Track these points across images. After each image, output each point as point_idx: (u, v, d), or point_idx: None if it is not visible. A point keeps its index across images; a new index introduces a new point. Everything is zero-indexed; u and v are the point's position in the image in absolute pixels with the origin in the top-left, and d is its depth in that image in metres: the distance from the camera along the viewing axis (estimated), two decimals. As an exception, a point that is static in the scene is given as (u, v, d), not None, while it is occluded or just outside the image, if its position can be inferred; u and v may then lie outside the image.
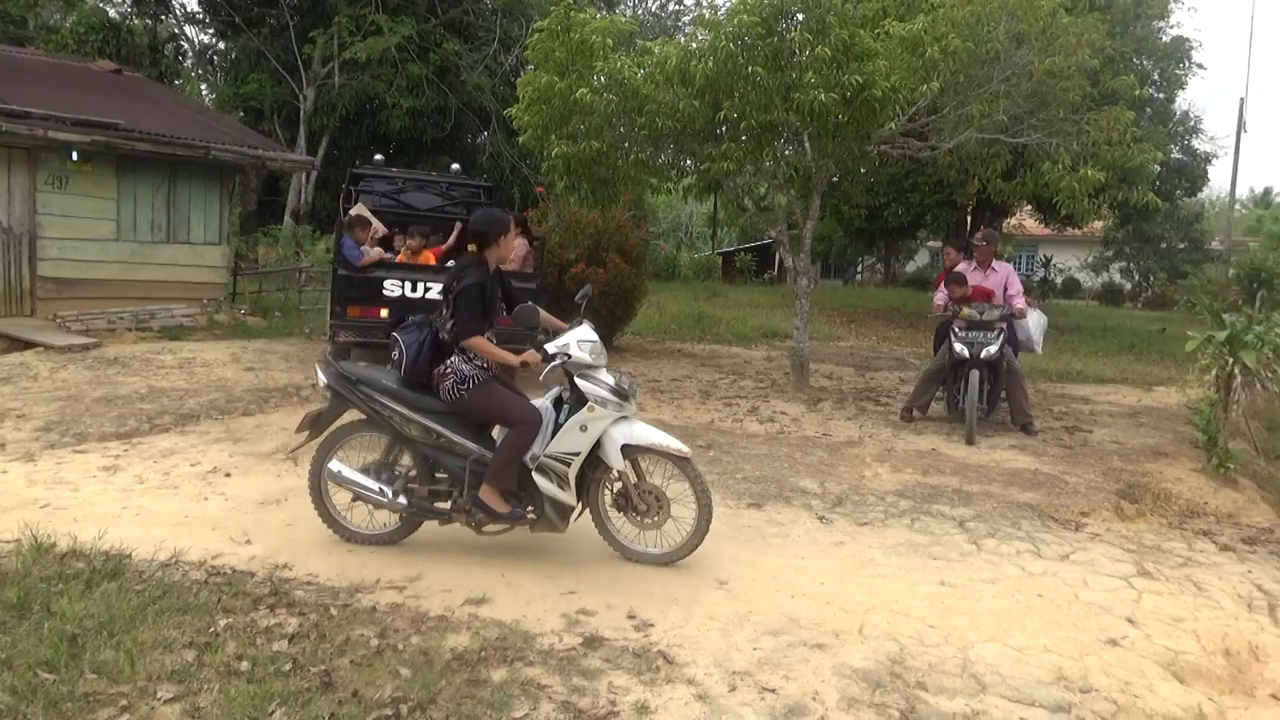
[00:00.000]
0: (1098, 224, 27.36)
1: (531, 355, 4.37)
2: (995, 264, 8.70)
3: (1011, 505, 6.04)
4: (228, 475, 5.73)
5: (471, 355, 4.37)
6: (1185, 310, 25.80)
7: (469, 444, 4.40)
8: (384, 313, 8.04)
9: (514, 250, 8.41)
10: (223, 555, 4.38)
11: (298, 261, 17.64)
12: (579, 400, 4.40)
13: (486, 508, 4.35)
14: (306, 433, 4.55)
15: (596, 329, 4.66)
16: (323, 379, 4.52)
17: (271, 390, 8.22)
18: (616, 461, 4.40)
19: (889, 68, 8.07)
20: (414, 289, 8.06)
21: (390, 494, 4.44)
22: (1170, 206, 25.53)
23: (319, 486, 4.56)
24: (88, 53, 20.79)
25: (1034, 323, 8.91)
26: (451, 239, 9.19)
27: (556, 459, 4.35)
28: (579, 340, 4.45)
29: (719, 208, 36.23)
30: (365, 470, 4.52)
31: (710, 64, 7.75)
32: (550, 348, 4.41)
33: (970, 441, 7.68)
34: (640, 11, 29.40)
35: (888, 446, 7.49)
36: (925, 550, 5.09)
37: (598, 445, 4.38)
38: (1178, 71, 17.13)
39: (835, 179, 10.61)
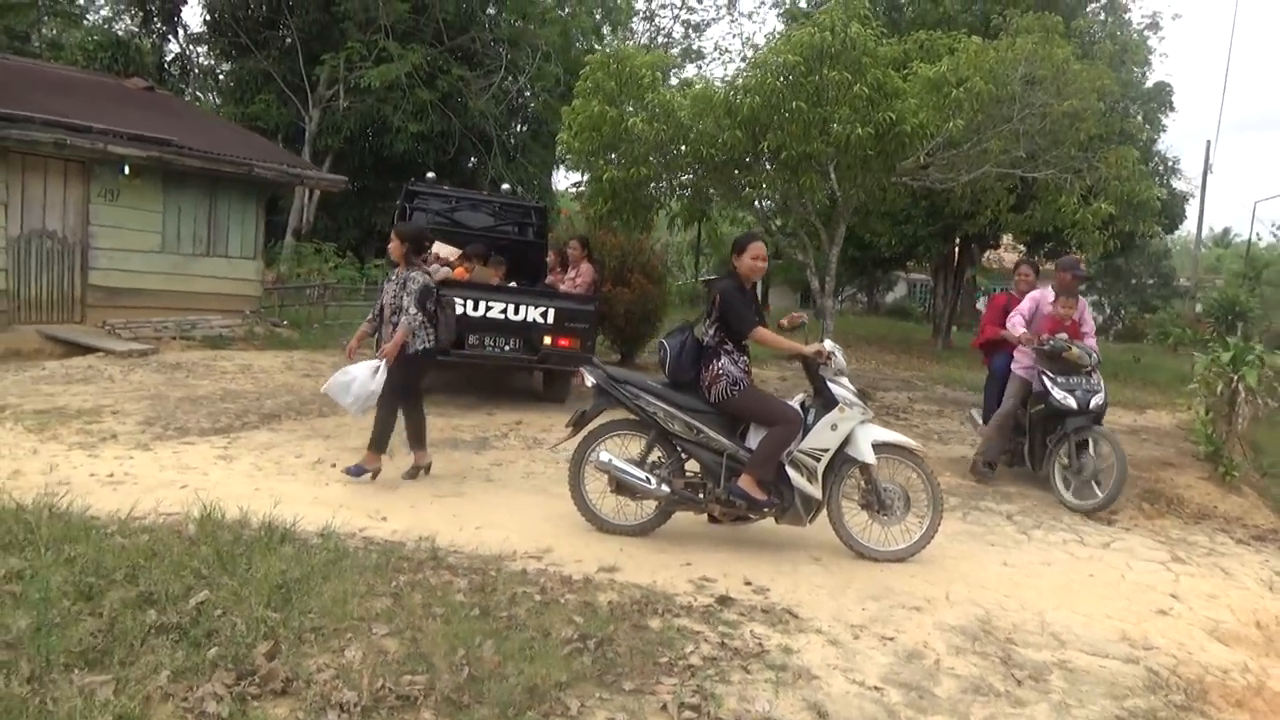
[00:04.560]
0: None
1: (821, 347, 4.89)
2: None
3: (1048, 504, 6.66)
4: (333, 465, 6.17)
5: (738, 359, 4.86)
6: (1156, 342, 26.93)
7: (725, 440, 4.88)
8: None
9: (581, 274, 8.94)
10: (368, 529, 4.83)
11: (312, 279, 18.06)
12: (826, 403, 4.88)
13: (746, 495, 4.80)
14: (572, 428, 5.08)
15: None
16: (590, 380, 4.99)
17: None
18: (869, 456, 4.88)
19: (918, 105, 8.75)
20: (475, 308, 8.25)
21: (655, 483, 4.89)
22: (1141, 244, 26.64)
23: (578, 477, 5.02)
24: (96, 69, 21.12)
25: None
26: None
27: (808, 454, 4.83)
28: (837, 348, 5.01)
29: (702, 235, 37.11)
30: (629, 463, 4.96)
31: (757, 99, 8.38)
32: (827, 345, 4.94)
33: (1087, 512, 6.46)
34: (647, 37, 30.28)
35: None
36: (983, 538, 5.67)
37: (843, 445, 4.85)
38: (1159, 115, 18.14)
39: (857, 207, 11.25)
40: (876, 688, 3.45)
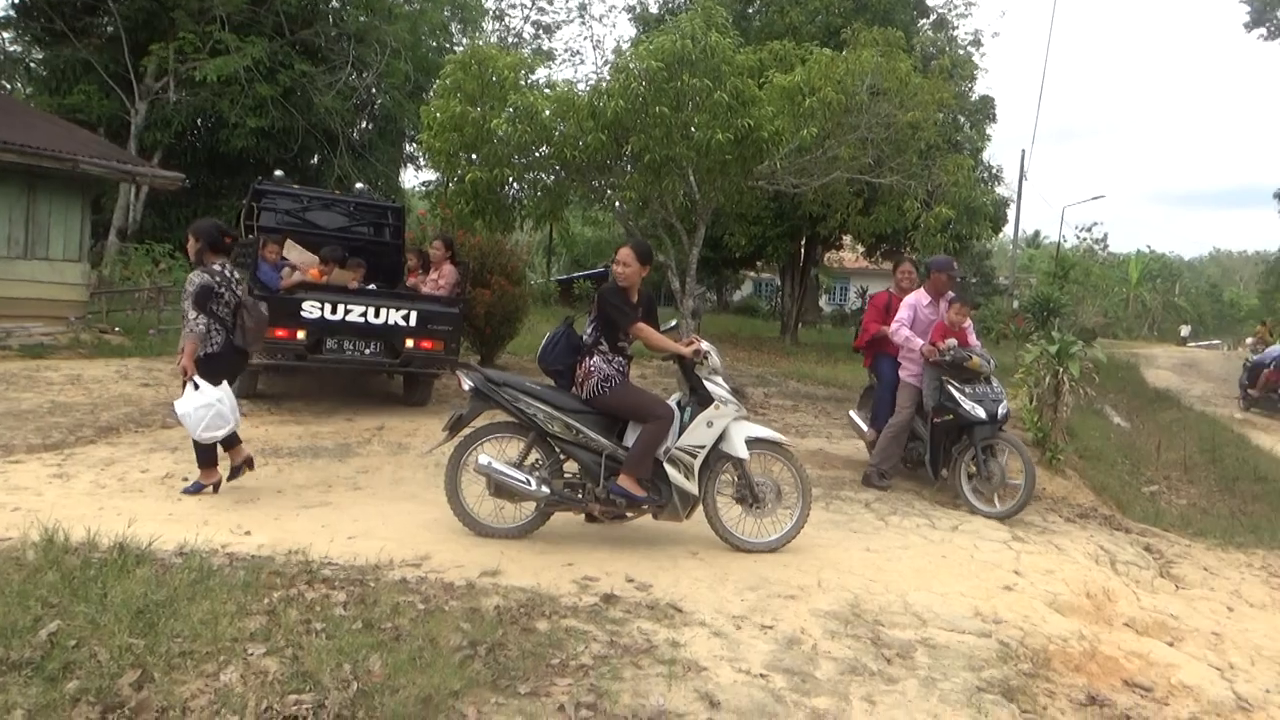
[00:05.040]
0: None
1: (698, 345, 4.99)
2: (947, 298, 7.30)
3: (901, 492, 7.06)
4: (185, 479, 5.83)
5: (610, 357, 4.91)
6: (980, 336, 28.97)
7: (603, 439, 4.92)
8: (301, 334, 7.98)
9: (444, 275, 8.77)
10: (231, 545, 4.60)
11: (140, 282, 16.92)
12: (701, 401, 4.99)
13: (626, 493, 4.85)
14: (448, 432, 4.98)
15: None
16: (468, 383, 4.91)
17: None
18: (743, 452, 5.03)
19: (774, 113, 9.08)
20: (334, 311, 8.00)
21: (535, 484, 4.86)
22: (965, 245, 28.53)
23: (455, 482, 4.93)
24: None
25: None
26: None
27: (685, 451, 4.93)
28: (712, 347, 5.12)
29: (553, 236, 37.12)
30: (509, 465, 4.90)
31: (620, 102, 8.48)
32: (703, 345, 5.04)
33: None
34: (497, 37, 29.95)
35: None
36: (846, 526, 5.96)
37: (718, 441, 4.97)
38: (984, 127, 19.50)
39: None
40: (762, 675, 3.58)
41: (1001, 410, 6.63)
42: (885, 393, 7.46)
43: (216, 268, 5.58)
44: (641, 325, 4.95)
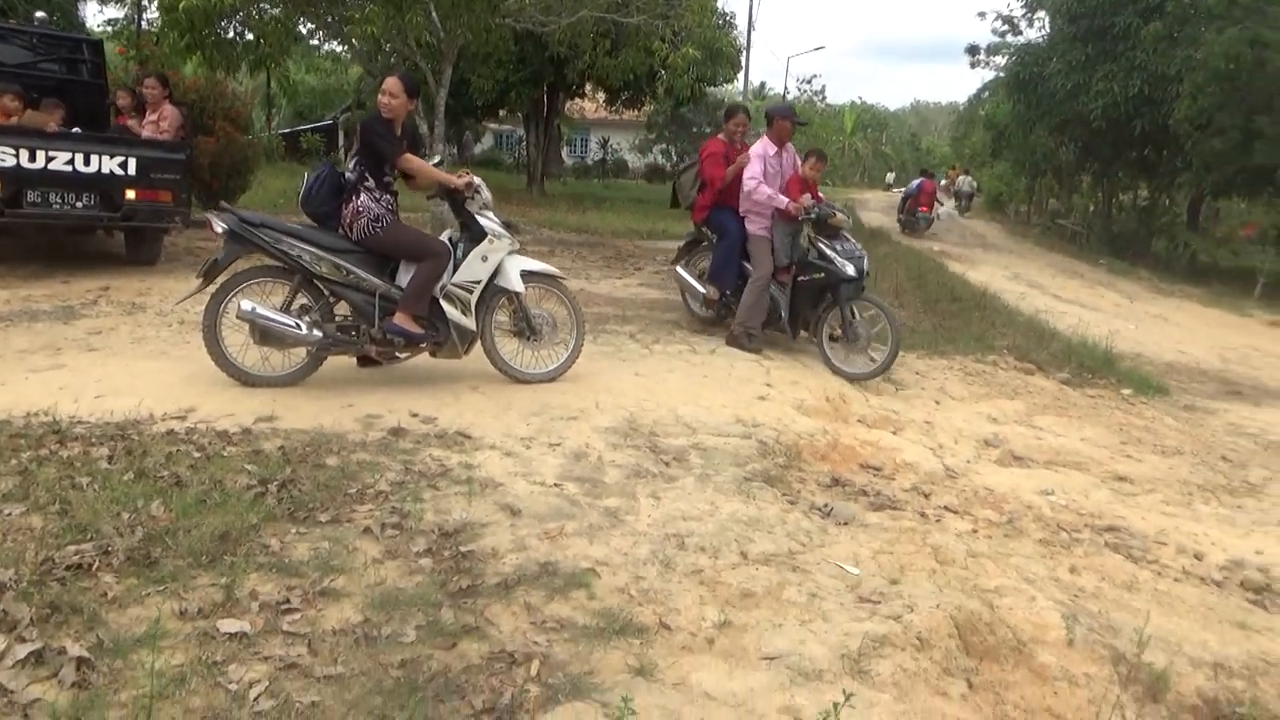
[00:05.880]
0: (647, 109, 30.64)
1: (470, 179, 4.87)
2: (801, 152, 7.17)
3: (661, 323, 7.46)
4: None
5: (379, 195, 4.69)
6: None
7: (375, 279, 4.76)
8: None
9: (165, 117, 7.82)
10: (-48, 413, 4.09)
11: None
12: (474, 236, 4.92)
13: (403, 332, 4.75)
14: (202, 279, 4.62)
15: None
16: (221, 226, 4.53)
17: None
18: (519, 285, 5.06)
19: (520, -57, 8.72)
20: (32, 158, 6.86)
21: (306, 328, 4.64)
22: (700, 91, 29.20)
23: (215, 331, 4.61)
24: None
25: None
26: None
27: (461, 287, 4.88)
28: (482, 181, 5.03)
29: (271, 84, 33.87)
30: (275, 310, 4.63)
31: (355, -77, 7.78)
32: (474, 179, 4.91)
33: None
34: None
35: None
36: (615, 355, 6.25)
37: (494, 276, 4.94)
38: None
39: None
40: (556, 484, 3.80)
41: (865, 266, 6.50)
42: (730, 248, 6.91)
43: None
44: (410, 156, 4.78)
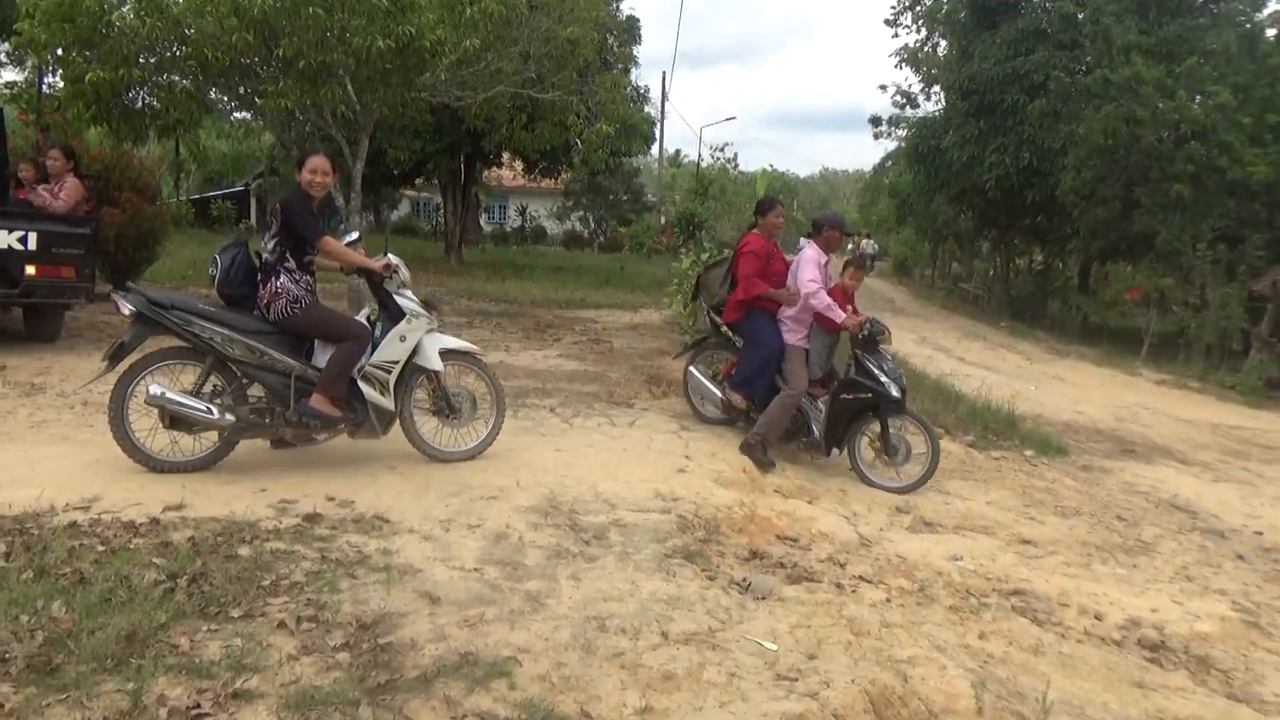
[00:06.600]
0: (563, 177, 31.08)
1: (388, 260, 4.88)
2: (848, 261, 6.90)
3: (581, 395, 7.52)
4: None
5: (298, 276, 4.65)
6: (633, 251, 30.76)
7: (291, 360, 4.68)
8: None
9: (67, 189, 7.64)
10: None
11: None
12: (392, 315, 4.91)
13: (320, 414, 4.69)
14: (108, 362, 4.52)
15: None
16: (128, 308, 4.41)
17: None
18: (437, 364, 5.06)
19: (435, 21, 8.88)
20: None
21: (217, 412, 4.53)
22: (616, 163, 29.80)
23: (121, 415, 4.48)
24: None
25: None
26: None
27: (380, 367, 4.85)
28: (400, 262, 5.06)
29: (180, 150, 33.31)
30: (184, 394, 4.52)
31: (269, 0, 7.82)
32: (392, 258, 4.93)
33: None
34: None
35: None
36: (535, 430, 6.27)
37: (412, 355, 4.95)
38: (630, 48, 20.34)
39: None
40: (476, 568, 3.78)
41: (903, 382, 6.23)
42: (769, 358, 6.41)
43: None
44: (330, 240, 4.78)
